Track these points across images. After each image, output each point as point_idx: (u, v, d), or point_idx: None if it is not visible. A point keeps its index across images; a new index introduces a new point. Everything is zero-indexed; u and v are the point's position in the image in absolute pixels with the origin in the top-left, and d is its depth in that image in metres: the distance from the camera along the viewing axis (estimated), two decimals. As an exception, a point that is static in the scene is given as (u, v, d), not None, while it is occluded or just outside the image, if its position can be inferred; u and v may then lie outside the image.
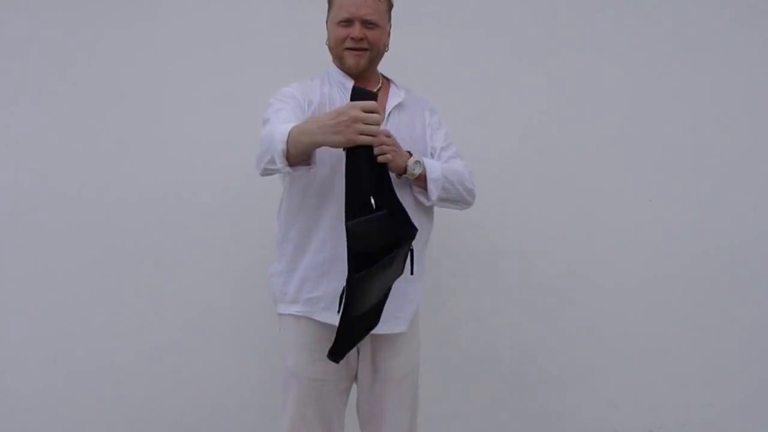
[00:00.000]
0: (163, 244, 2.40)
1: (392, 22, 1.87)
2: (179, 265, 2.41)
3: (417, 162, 1.73)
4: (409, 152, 1.74)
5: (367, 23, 1.75)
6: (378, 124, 1.46)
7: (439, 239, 2.02)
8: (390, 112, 1.82)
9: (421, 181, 1.77)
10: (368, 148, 1.54)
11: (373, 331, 1.72)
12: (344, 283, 1.58)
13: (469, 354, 2.50)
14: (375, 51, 1.79)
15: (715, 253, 2.50)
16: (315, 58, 1.89)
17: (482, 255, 2.47)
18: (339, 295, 1.59)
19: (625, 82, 2.48)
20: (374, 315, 1.69)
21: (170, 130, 2.39)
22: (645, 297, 2.52)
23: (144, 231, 2.40)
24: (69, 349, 2.40)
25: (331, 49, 1.82)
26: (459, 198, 1.84)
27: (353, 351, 1.79)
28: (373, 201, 1.60)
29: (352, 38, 1.75)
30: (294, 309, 1.81)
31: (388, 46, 1.85)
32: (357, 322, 1.62)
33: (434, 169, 1.77)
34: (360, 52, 1.77)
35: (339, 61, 1.82)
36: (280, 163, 1.54)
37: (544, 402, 2.52)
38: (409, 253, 1.70)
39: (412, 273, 1.72)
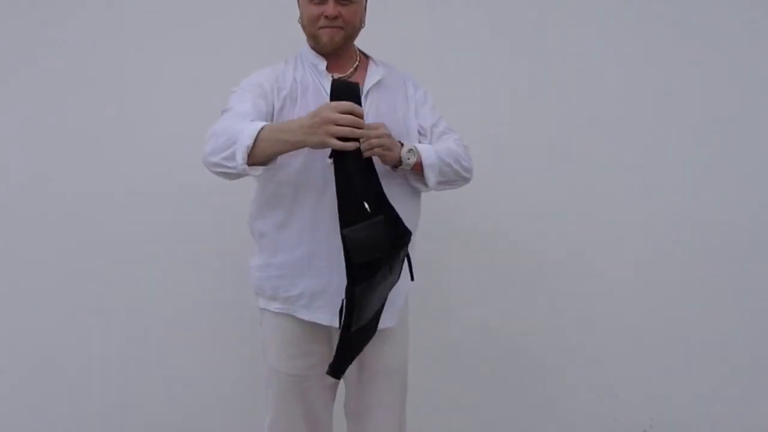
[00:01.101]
0: (141, 238, 2.35)
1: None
2: (159, 259, 2.35)
3: (410, 150, 1.62)
4: (400, 142, 1.64)
5: (340, 0, 1.65)
6: (356, 125, 1.42)
7: (431, 224, 1.95)
8: (368, 92, 1.72)
9: (417, 168, 1.67)
10: (355, 151, 1.46)
11: None
12: (324, 281, 1.65)
13: (464, 343, 2.44)
14: (351, 28, 1.70)
15: (714, 232, 2.43)
16: (299, 40, 1.78)
17: (475, 240, 2.41)
18: (325, 298, 1.65)
19: (615, 56, 2.40)
20: (373, 324, 1.63)
21: (144, 118, 2.33)
22: (643, 280, 2.45)
23: (121, 224, 2.34)
24: (45, 345, 2.36)
25: (303, 27, 1.72)
26: (457, 178, 1.76)
27: None
28: (367, 205, 1.49)
29: (326, 16, 1.66)
30: (274, 306, 1.74)
31: (364, 21, 1.76)
32: (357, 334, 1.56)
33: (429, 154, 1.67)
34: (336, 29, 1.67)
35: (313, 39, 1.72)
36: (240, 160, 1.46)
37: (542, 392, 2.47)
38: (406, 258, 1.63)
39: (412, 279, 1.66)
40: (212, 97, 2.12)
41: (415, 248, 1.74)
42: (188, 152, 2.23)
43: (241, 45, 2.28)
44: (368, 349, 1.72)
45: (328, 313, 1.67)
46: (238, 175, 1.53)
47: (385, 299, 1.63)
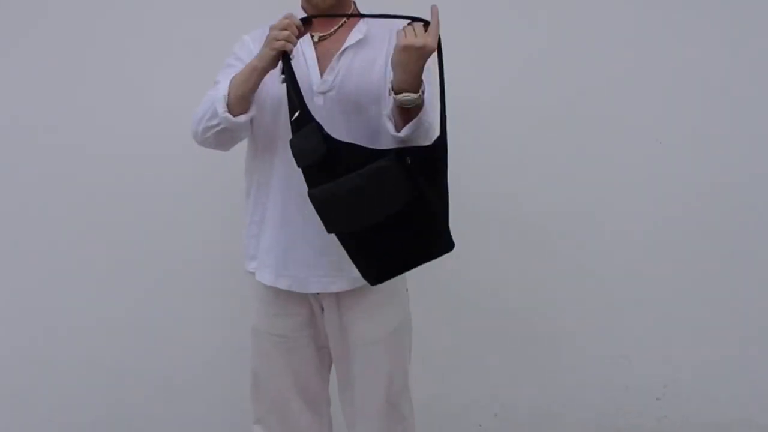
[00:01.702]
0: (139, 199, 2.32)
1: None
2: (155, 219, 2.33)
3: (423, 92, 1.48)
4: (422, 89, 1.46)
5: None
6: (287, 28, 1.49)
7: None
8: (344, 52, 1.61)
9: (405, 112, 1.49)
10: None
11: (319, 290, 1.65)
12: (271, 240, 1.65)
13: (474, 306, 2.39)
14: None
15: (731, 197, 2.33)
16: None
17: (485, 203, 2.34)
18: (270, 257, 1.66)
19: (630, 16, 2.29)
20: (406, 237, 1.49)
21: (145, 80, 2.29)
22: (658, 246, 2.36)
23: (120, 184, 2.32)
24: (42, 306, 2.35)
25: None
26: (417, 141, 1.52)
27: (318, 310, 1.71)
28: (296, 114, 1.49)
29: None
30: (251, 265, 1.73)
31: None
32: (368, 238, 1.47)
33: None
34: None
35: None
36: (221, 110, 1.53)
37: (552, 356, 2.41)
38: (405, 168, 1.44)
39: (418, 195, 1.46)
40: (216, 60, 2.09)
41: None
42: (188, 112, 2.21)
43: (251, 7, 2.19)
44: (349, 315, 1.68)
45: (271, 273, 1.66)
46: (228, 132, 1.58)
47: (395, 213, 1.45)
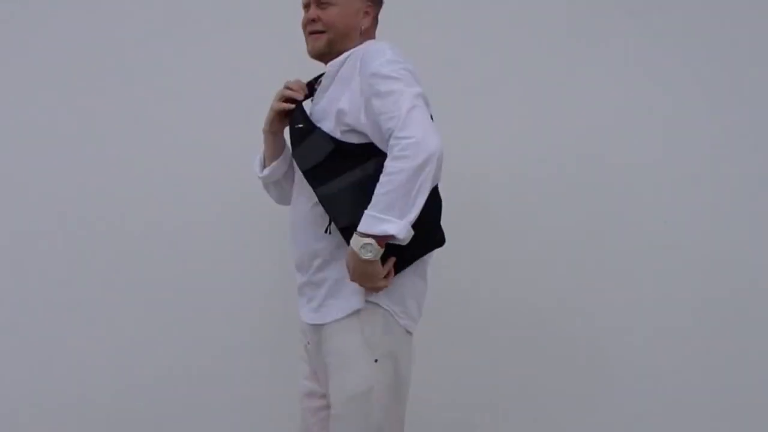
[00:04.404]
0: (174, 234, 2.34)
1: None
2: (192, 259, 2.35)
3: (365, 245, 1.46)
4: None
5: (319, 3, 1.64)
6: (295, 89, 1.71)
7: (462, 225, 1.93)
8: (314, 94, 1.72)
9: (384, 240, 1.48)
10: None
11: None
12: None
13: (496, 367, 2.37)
14: (333, 32, 1.64)
15: (740, 275, 2.35)
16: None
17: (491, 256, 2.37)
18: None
19: (636, 90, 2.37)
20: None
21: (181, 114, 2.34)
22: (664, 321, 2.36)
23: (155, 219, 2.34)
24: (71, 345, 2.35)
25: None
26: (427, 187, 1.47)
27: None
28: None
29: (309, 20, 1.66)
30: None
31: (362, 26, 1.67)
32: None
33: (371, 224, 1.46)
34: (316, 35, 1.65)
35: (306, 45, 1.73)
36: (257, 171, 1.84)
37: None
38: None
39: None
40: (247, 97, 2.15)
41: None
42: (223, 150, 2.32)
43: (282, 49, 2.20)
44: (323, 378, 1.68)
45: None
46: (270, 186, 1.87)
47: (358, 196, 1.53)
